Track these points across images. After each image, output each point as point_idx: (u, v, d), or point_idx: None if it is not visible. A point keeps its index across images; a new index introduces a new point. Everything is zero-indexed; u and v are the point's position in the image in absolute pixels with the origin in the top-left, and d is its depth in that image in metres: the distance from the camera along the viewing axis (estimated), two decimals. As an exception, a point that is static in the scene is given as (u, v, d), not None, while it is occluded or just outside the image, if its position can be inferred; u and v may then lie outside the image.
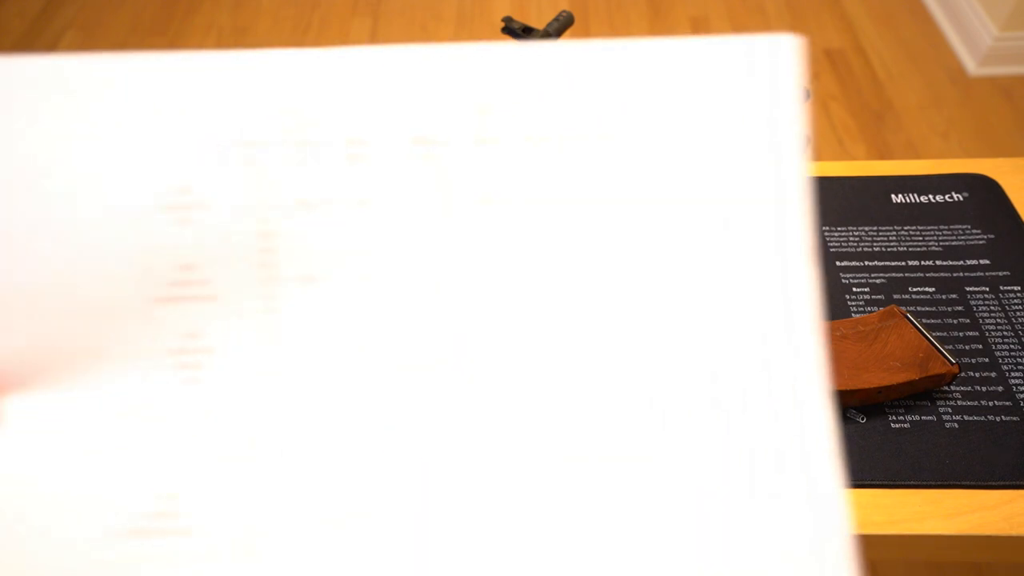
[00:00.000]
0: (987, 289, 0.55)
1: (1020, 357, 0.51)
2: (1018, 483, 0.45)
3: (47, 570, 0.23)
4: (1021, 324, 0.53)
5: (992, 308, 0.54)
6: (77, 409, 0.24)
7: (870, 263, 0.58)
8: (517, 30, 0.62)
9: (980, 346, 0.52)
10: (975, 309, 0.54)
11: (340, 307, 0.25)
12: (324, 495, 0.24)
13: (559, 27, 0.62)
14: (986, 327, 0.53)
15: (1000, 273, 0.56)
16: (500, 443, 0.24)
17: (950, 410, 0.49)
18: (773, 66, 0.25)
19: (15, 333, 0.24)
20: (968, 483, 0.45)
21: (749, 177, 0.25)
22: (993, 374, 0.50)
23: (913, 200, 0.62)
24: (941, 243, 0.59)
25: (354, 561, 0.23)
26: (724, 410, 0.24)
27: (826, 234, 0.60)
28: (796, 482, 0.23)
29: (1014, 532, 0.41)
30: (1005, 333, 0.52)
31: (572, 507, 0.24)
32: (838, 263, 0.58)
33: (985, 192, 0.62)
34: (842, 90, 1.67)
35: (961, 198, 0.62)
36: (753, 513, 0.23)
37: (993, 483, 0.45)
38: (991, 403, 0.49)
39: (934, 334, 0.52)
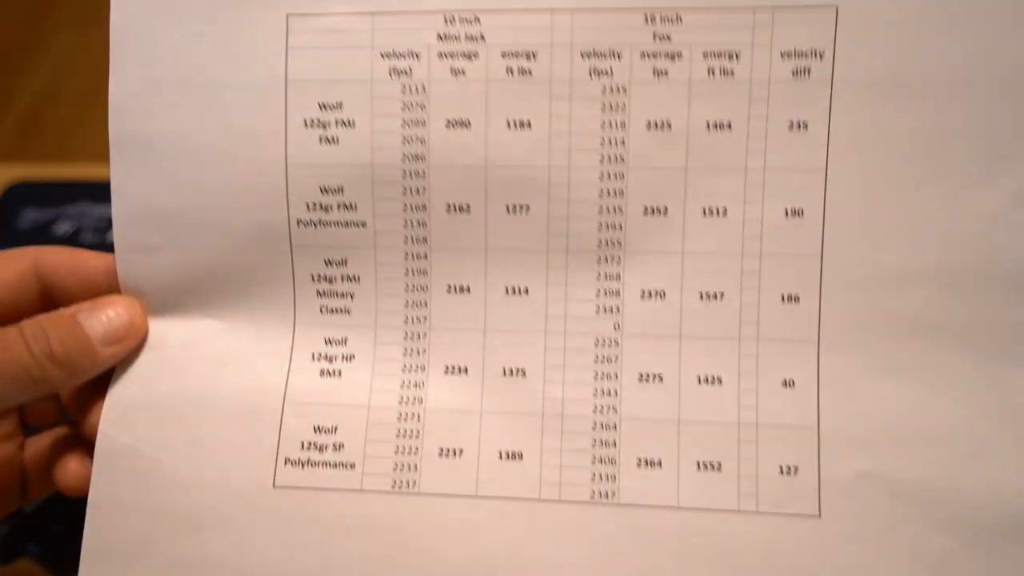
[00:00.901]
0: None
1: None
2: None
3: (215, 486, 0.23)
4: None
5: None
6: (221, 332, 0.24)
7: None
8: None
9: None
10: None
11: (491, 240, 0.23)
12: (477, 438, 0.23)
13: None
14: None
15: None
16: None
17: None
18: None
19: (163, 256, 0.24)
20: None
21: None
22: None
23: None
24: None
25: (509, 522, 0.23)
26: None
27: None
28: None
29: None
30: None
31: None
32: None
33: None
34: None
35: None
36: None
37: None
38: None
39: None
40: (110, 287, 0.24)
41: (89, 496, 0.23)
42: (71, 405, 0.25)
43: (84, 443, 0.24)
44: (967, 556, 0.21)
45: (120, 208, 0.24)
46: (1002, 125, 0.21)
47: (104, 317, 0.23)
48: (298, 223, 0.24)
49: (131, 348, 0.24)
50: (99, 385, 0.24)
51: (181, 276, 0.24)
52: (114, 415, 0.24)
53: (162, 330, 0.24)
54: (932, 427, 0.22)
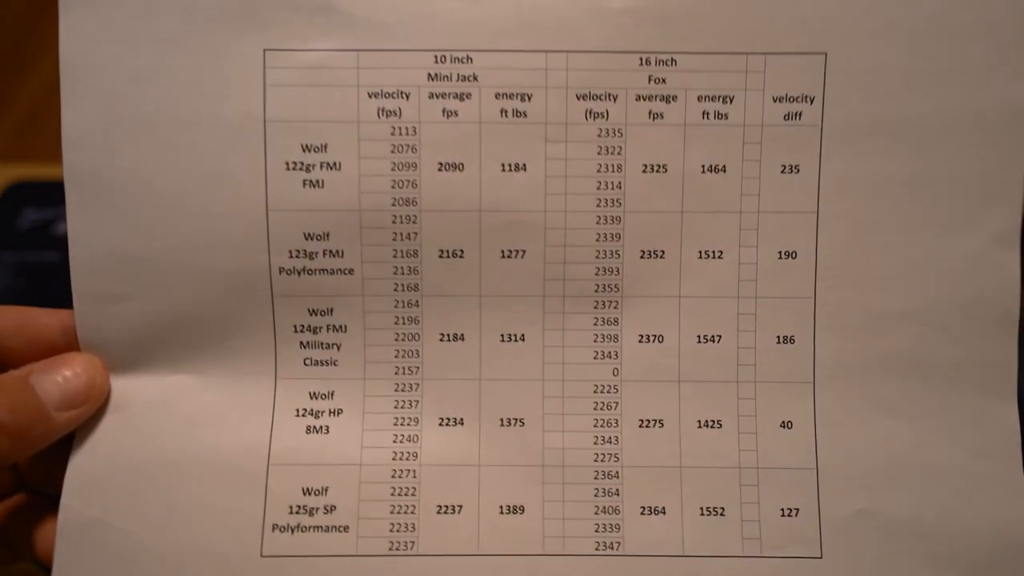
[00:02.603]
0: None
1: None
2: None
3: (197, 557, 0.22)
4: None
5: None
6: (195, 390, 0.22)
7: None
8: None
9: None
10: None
11: (486, 286, 0.22)
12: (476, 492, 0.22)
13: None
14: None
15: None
16: None
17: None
18: None
19: (128, 307, 0.22)
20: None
21: None
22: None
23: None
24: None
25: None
26: None
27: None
28: None
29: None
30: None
31: None
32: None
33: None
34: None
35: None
36: None
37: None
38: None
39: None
40: (67, 345, 0.22)
41: None
42: (30, 475, 0.23)
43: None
44: None
45: (79, 255, 0.22)
46: (983, 170, 0.22)
47: (60, 378, 0.21)
48: (280, 271, 0.22)
49: (91, 411, 0.22)
50: (63, 450, 0.22)
51: (149, 329, 0.22)
52: (77, 486, 0.22)
53: (128, 389, 0.22)
54: (924, 464, 0.22)
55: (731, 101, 0.22)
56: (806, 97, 0.22)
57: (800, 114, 0.22)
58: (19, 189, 0.49)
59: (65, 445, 0.22)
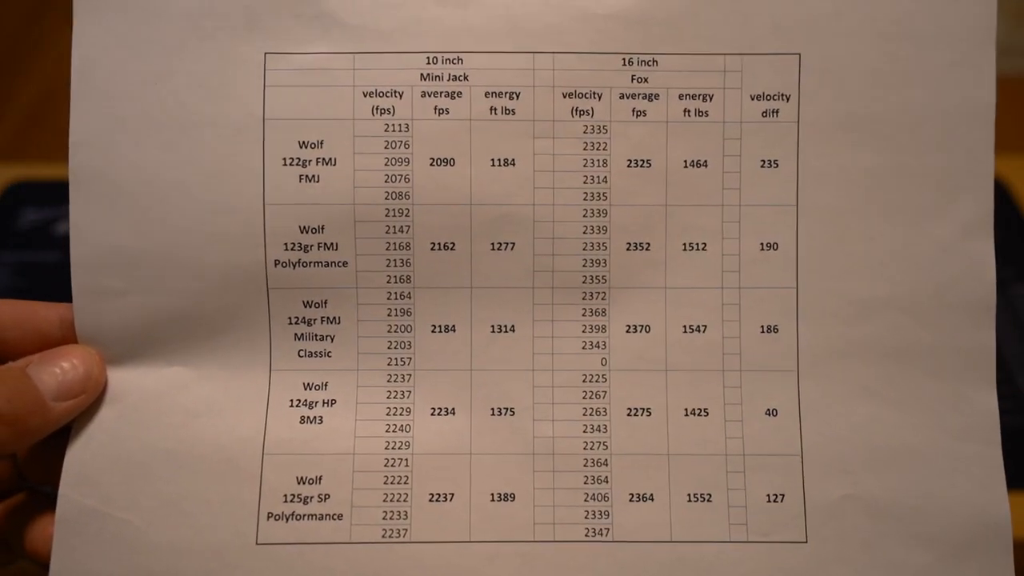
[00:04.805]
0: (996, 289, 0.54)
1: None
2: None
3: (193, 546, 0.22)
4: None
5: (1000, 307, 0.52)
6: (191, 381, 0.23)
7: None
8: None
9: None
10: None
11: (477, 278, 0.23)
12: (467, 480, 0.23)
13: None
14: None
15: (1008, 272, 0.55)
16: None
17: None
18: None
19: (127, 301, 0.23)
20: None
21: None
22: (1000, 375, 0.49)
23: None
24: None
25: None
26: None
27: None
28: None
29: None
30: (1013, 334, 0.52)
31: None
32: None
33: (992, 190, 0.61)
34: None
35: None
36: None
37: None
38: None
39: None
40: (64, 338, 0.23)
41: (51, 567, 0.21)
42: (30, 470, 0.23)
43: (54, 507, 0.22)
44: (942, 569, 0.22)
45: (80, 251, 0.22)
46: (951, 163, 0.23)
47: (57, 370, 0.22)
48: (276, 263, 0.23)
49: (88, 402, 0.22)
50: (62, 446, 0.22)
51: (146, 322, 0.23)
52: (75, 476, 0.22)
53: (125, 381, 0.23)
54: (906, 448, 0.23)
55: (710, 99, 0.23)
56: (782, 95, 0.23)
57: (777, 111, 0.23)
58: (19, 189, 0.50)
59: (64, 440, 0.22)
